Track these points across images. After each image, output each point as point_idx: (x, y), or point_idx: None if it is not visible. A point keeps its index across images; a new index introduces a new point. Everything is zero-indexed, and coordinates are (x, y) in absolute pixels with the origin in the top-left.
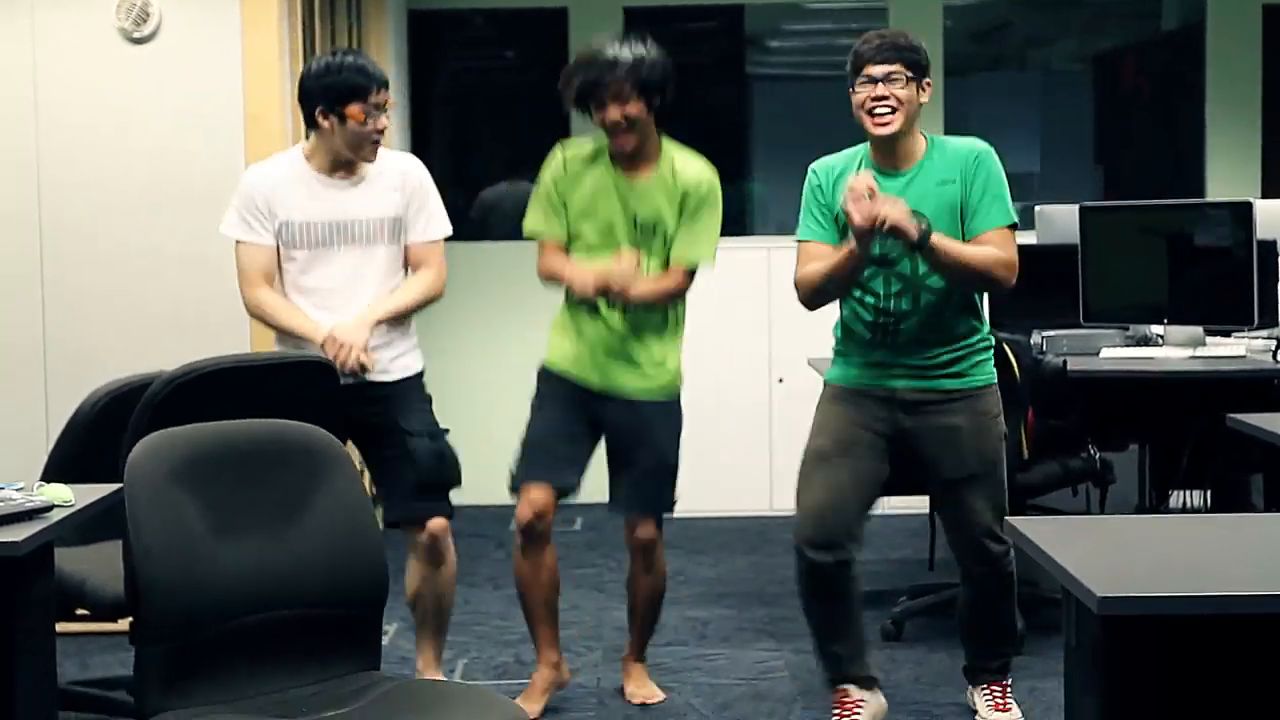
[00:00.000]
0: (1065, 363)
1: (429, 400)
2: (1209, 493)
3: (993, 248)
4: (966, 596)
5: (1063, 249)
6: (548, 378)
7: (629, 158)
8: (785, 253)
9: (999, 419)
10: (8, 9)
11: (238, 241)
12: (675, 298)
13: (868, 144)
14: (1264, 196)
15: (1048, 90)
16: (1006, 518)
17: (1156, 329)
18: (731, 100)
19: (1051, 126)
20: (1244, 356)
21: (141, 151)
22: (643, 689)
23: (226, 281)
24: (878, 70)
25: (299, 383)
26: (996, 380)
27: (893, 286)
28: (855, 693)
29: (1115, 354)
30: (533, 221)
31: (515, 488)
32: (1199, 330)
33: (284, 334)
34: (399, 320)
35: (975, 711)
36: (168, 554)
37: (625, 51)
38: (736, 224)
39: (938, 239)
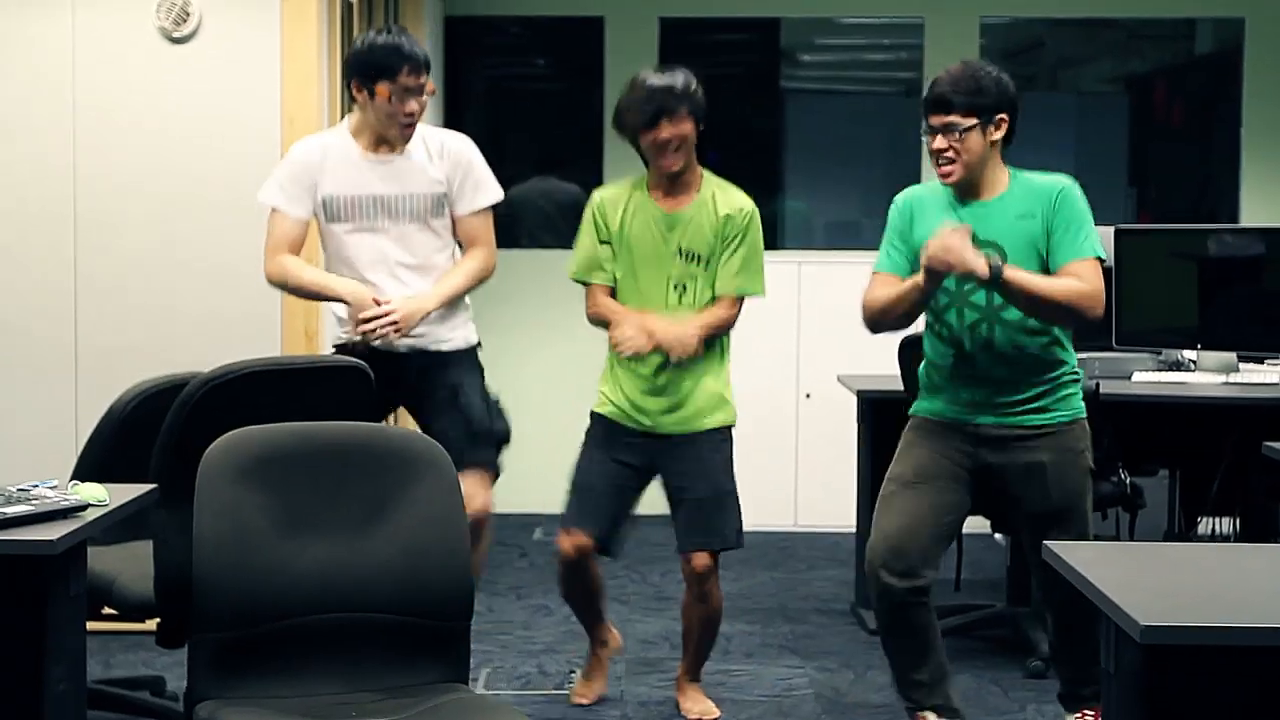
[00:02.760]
0: (1097, 386)
1: (482, 370)
2: (1238, 520)
3: (1074, 279)
4: (1051, 623)
5: None
6: (598, 421)
7: (670, 184)
8: (815, 268)
9: (1085, 454)
10: (49, 8)
11: (271, 210)
12: (723, 329)
13: None
14: None
15: (1081, 111)
16: (1045, 542)
17: (1189, 354)
18: (765, 114)
19: (1085, 148)
20: (1277, 384)
21: (178, 151)
22: (698, 704)
23: (260, 286)
24: (935, 120)
25: (334, 386)
26: (1084, 413)
27: (966, 318)
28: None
29: (1147, 378)
30: (578, 267)
31: (563, 526)
32: (1232, 356)
33: (310, 295)
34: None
35: None
36: (223, 547)
37: (669, 77)
38: (768, 238)
39: (1012, 273)
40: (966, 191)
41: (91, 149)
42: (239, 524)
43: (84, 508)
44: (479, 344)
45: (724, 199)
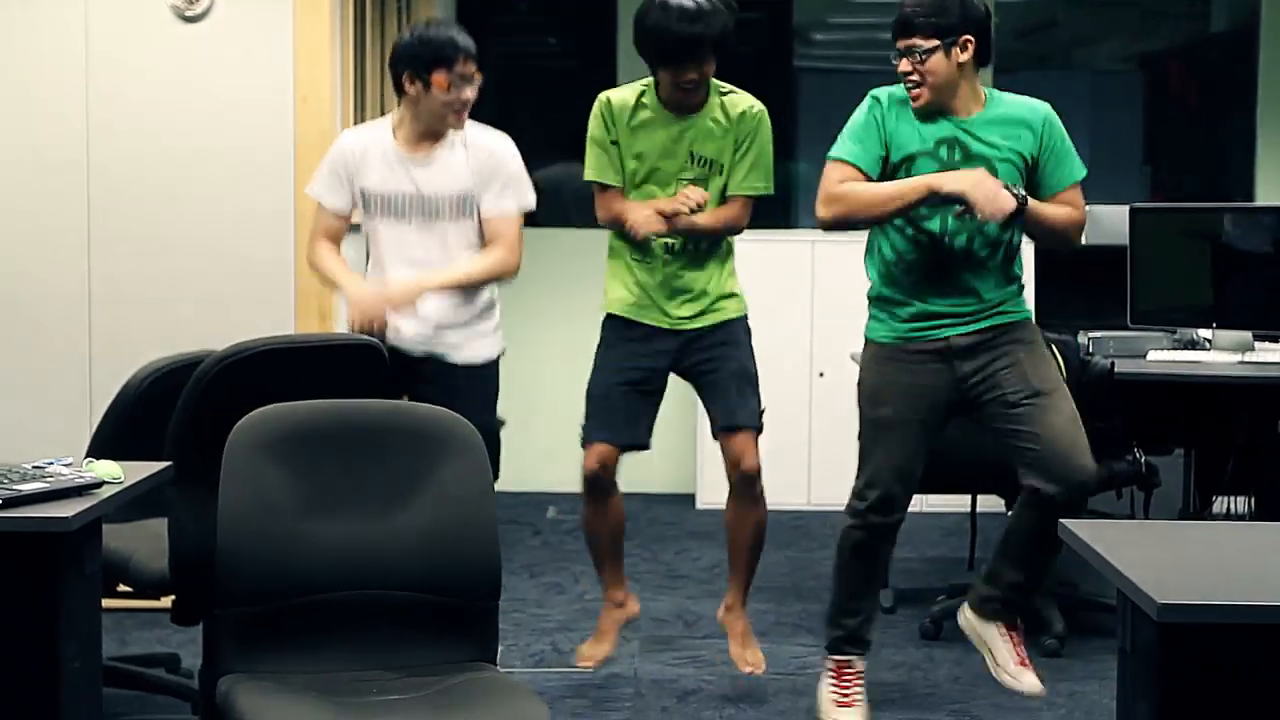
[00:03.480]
0: (1113, 364)
1: (495, 390)
2: (1253, 499)
3: (1070, 208)
4: (1026, 521)
5: (1111, 250)
6: (613, 324)
7: (679, 103)
8: (828, 246)
9: (1045, 346)
10: None
11: (320, 203)
12: (735, 229)
13: None
14: None
15: (1095, 90)
16: (1061, 520)
17: (1204, 333)
18: (777, 93)
19: (1099, 127)
20: None
21: (191, 130)
22: (749, 653)
23: (273, 266)
24: (900, 43)
25: (348, 364)
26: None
27: (950, 226)
28: (859, 663)
29: (1162, 357)
30: (592, 169)
31: (584, 443)
32: (1247, 335)
33: (330, 284)
34: (475, 300)
35: (990, 657)
36: (247, 522)
37: (705, 19)
38: (781, 216)
39: (1032, 205)
40: (940, 112)
41: (105, 128)
42: (264, 499)
43: (99, 485)
44: (497, 357)
45: (732, 102)
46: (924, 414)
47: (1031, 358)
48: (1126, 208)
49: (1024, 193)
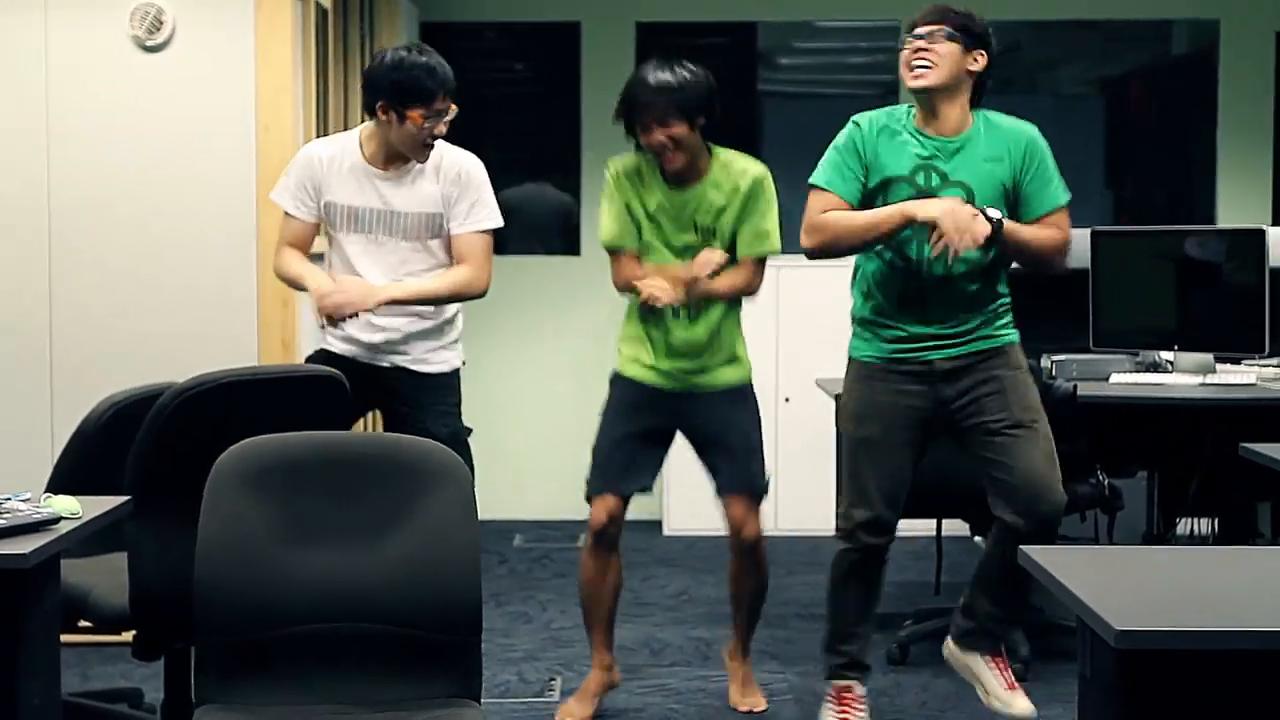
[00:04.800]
0: (1075, 387)
1: (458, 398)
2: (1216, 520)
3: (1053, 229)
4: (998, 554)
5: (1073, 273)
6: (620, 383)
7: (679, 173)
8: (794, 271)
9: (1029, 373)
10: (21, 14)
11: (285, 211)
12: (748, 291)
13: (911, 106)
14: (1275, 223)
15: (1058, 113)
16: (1022, 547)
17: (1166, 355)
18: (742, 117)
19: (1062, 150)
20: (1255, 384)
21: (153, 160)
22: (749, 696)
23: (235, 294)
24: (922, 29)
25: (309, 395)
26: (1029, 362)
27: (926, 251)
28: (859, 688)
29: (1125, 380)
30: (609, 234)
31: (589, 496)
32: (1209, 357)
33: (294, 284)
34: (439, 313)
35: (980, 687)
36: (224, 555)
37: (665, 75)
38: None
39: (1008, 227)
40: (929, 122)
41: (65, 158)
42: (243, 531)
43: (57, 521)
44: (459, 367)
45: (732, 168)
46: (908, 433)
47: (1015, 385)
48: (1088, 231)
49: (1000, 215)
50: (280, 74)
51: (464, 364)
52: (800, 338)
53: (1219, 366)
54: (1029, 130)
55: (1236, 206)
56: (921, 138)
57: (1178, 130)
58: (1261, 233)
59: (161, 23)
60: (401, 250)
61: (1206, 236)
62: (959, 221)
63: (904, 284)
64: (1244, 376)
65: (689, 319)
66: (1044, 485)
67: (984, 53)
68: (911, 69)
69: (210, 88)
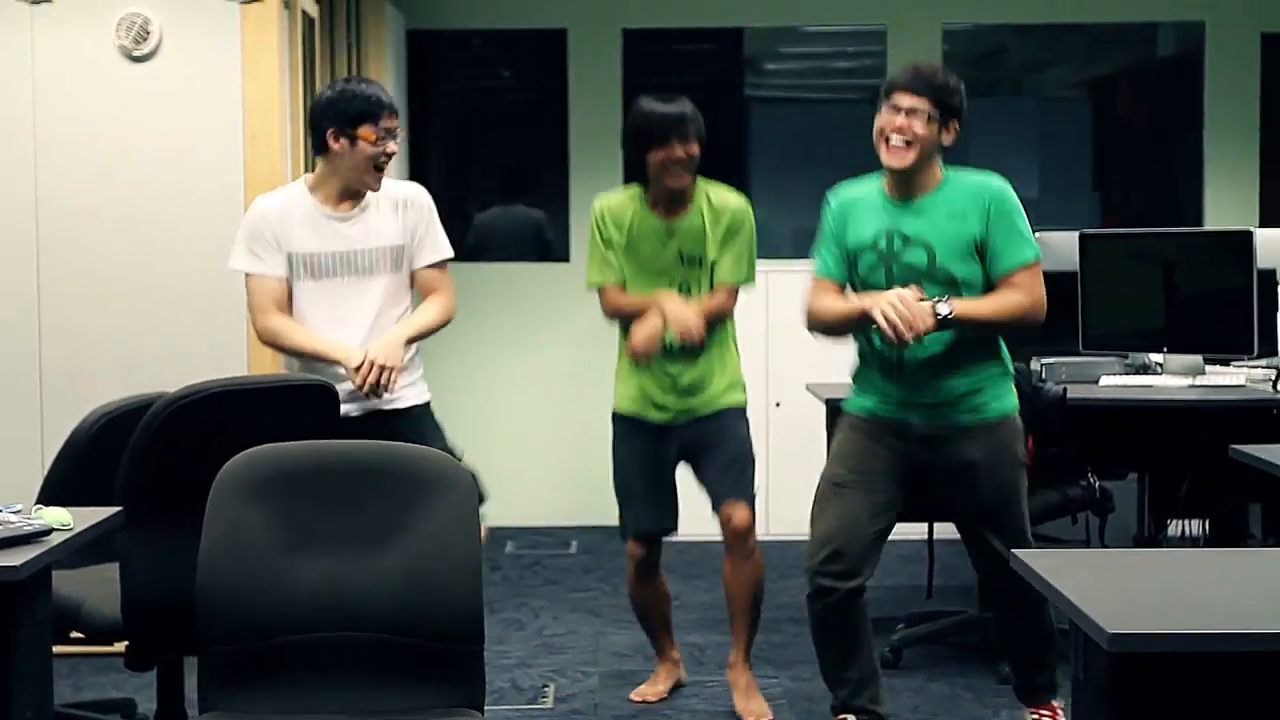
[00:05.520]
0: (1065, 391)
1: (439, 427)
2: (1207, 522)
3: (1018, 291)
4: (996, 616)
5: (1061, 276)
6: (622, 422)
7: (670, 201)
8: (783, 276)
9: (1017, 449)
10: (7, 24)
11: (247, 275)
12: (723, 316)
13: (882, 174)
14: (1261, 224)
15: (1044, 116)
16: (1014, 551)
17: (1155, 357)
18: (729, 123)
19: (1049, 153)
20: (1243, 385)
21: (140, 170)
22: (754, 704)
23: (224, 304)
24: (905, 100)
25: (299, 405)
26: (1017, 409)
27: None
28: None
29: (1114, 382)
30: (594, 275)
31: (624, 536)
32: (1198, 359)
33: (303, 357)
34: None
35: None
36: (227, 563)
37: (675, 103)
38: None
39: (960, 308)
40: (902, 188)
41: (52, 169)
42: (246, 539)
43: (48, 532)
44: (429, 400)
45: (717, 200)
46: (880, 476)
47: (991, 472)
48: (1076, 234)
49: (948, 306)
50: (267, 83)
51: (430, 400)
52: (791, 343)
53: (1208, 368)
54: (993, 184)
55: (1223, 208)
56: (886, 202)
57: (1164, 132)
58: (1249, 234)
59: (148, 33)
60: (373, 286)
61: (1194, 238)
62: (901, 314)
63: (882, 353)
64: (1233, 378)
65: (676, 354)
66: (1006, 570)
67: (957, 122)
68: (888, 144)
69: (197, 97)
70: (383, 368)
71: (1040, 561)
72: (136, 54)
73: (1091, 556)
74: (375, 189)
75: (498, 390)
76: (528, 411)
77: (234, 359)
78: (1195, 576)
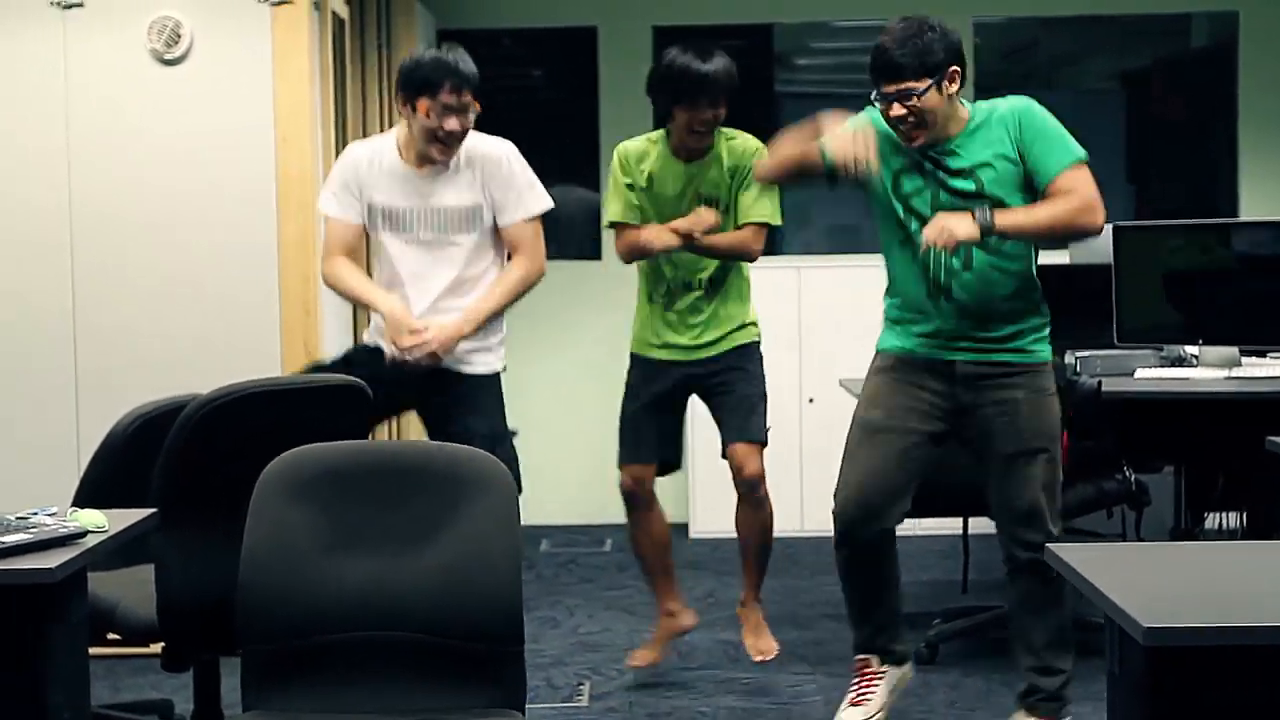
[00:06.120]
0: (1100, 384)
1: (500, 401)
2: (1245, 515)
3: (1065, 196)
4: (1014, 596)
5: (1096, 268)
6: (635, 362)
7: (690, 147)
8: (815, 272)
9: (1055, 398)
10: (40, 29)
11: (326, 217)
12: (745, 255)
13: None
14: None
15: (1078, 109)
16: (1048, 545)
17: (1191, 349)
18: (760, 118)
19: (1082, 145)
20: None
21: (173, 174)
22: (761, 641)
23: (258, 305)
24: (889, 88)
25: (332, 406)
26: (1052, 359)
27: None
28: (876, 664)
29: (1150, 374)
30: (612, 212)
31: (619, 465)
32: (1234, 351)
33: (358, 303)
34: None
35: None
36: (269, 562)
37: (712, 62)
38: (767, 243)
39: (1002, 220)
40: (932, 140)
41: (86, 174)
42: (287, 539)
43: (83, 534)
44: (500, 370)
45: (735, 144)
46: (916, 423)
47: (1033, 410)
48: (1110, 226)
49: (988, 216)
50: (298, 85)
51: (504, 369)
52: (824, 338)
53: (1244, 360)
54: (1019, 103)
55: (1259, 198)
56: (922, 147)
57: (1198, 124)
58: None
59: (179, 36)
60: (451, 246)
61: (1230, 229)
62: (940, 226)
63: (928, 279)
64: (1269, 369)
65: (696, 289)
66: (1035, 516)
67: (955, 67)
68: (899, 131)
69: (228, 100)
70: (432, 353)
71: (1074, 555)
72: (168, 57)
73: (1126, 550)
74: (437, 159)
75: (531, 388)
76: (562, 410)
77: (268, 360)
78: (1232, 570)
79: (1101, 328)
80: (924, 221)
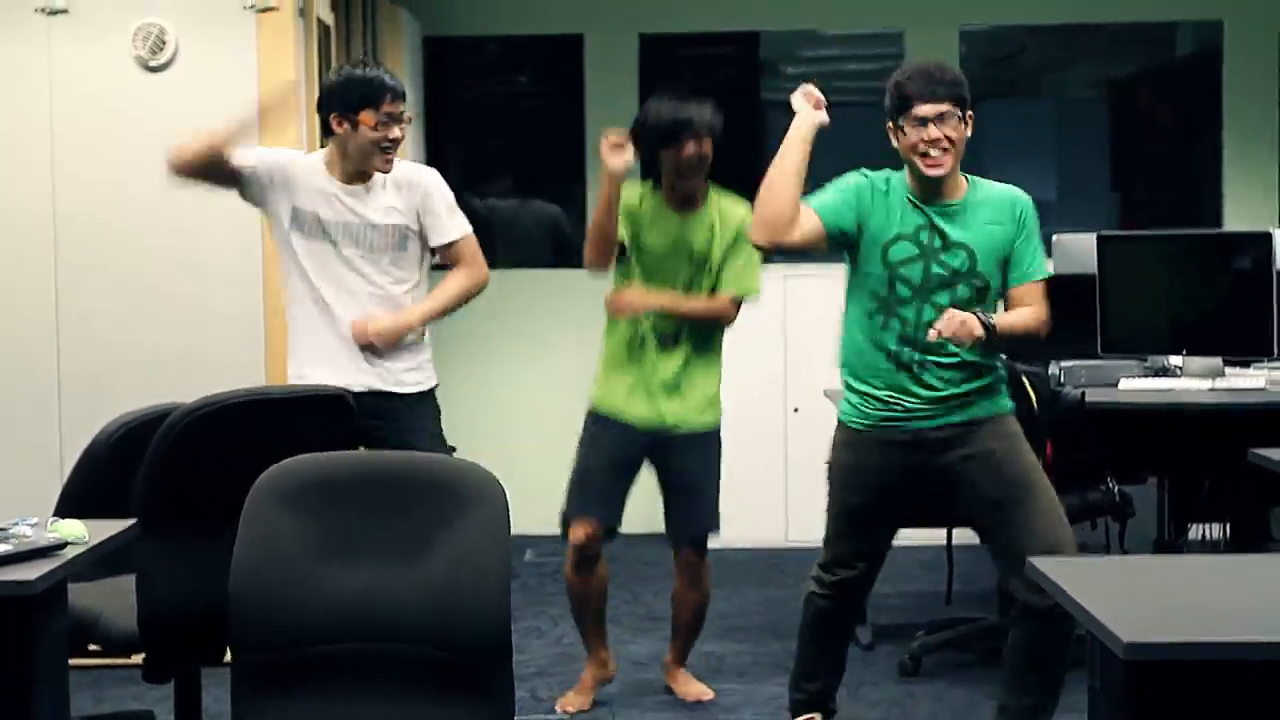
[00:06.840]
0: (1083, 394)
1: (438, 417)
2: (1228, 525)
3: (1034, 307)
4: (1020, 636)
5: (1080, 278)
6: (596, 419)
7: (683, 199)
8: (801, 281)
9: (1021, 438)
10: (25, 35)
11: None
12: (720, 323)
13: (901, 173)
14: None
15: (1063, 117)
16: (1029, 559)
17: (1175, 360)
18: (747, 127)
19: (1067, 154)
20: (1264, 388)
21: (157, 179)
22: (692, 687)
23: (242, 314)
24: (929, 110)
25: (315, 416)
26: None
27: (925, 316)
28: None
29: (1133, 385)
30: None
31: (565, 523)
32: (1218, 361)
33: (208, 151)
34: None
35: None
36: (260, 572)
37: (690, 103)
38: None
39: (1000, 325)
40: (933, 193)
41: (71, 181)
42: (279, 549)
43: (63, 546)
44: (435, 387)
45: (727, 207)
46: (895, 498)
47: (1008, 453)
48: (1094, 236)
49: (992, 319)
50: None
51: (436, 385)
52: (808, 347)
53: (1228, 370)
54: (1023, 196)
55: (1243, 208)
56: (918, 202)
57: (1183, 132)
58: (1268, 235)
59: (164, 43)
60: (365, 261)
61: (1214, 240)
62: (957, 327)
63: (895, 347)
64: (1253, 380)
65: (668, 348)
66: (1057, 548)
67: (972, 112)
68: (926, 157)
69: (214, 106)
70: (370, 344)
71: (1055, 568)
72: (153, 64)
73: (1108, 563)
74: (385, 171)
75: (514, 397)
76: (545, 419)
77: (252, 370)
78: (1214, 583)
79: (1085, 338)
80: (912, 289)
